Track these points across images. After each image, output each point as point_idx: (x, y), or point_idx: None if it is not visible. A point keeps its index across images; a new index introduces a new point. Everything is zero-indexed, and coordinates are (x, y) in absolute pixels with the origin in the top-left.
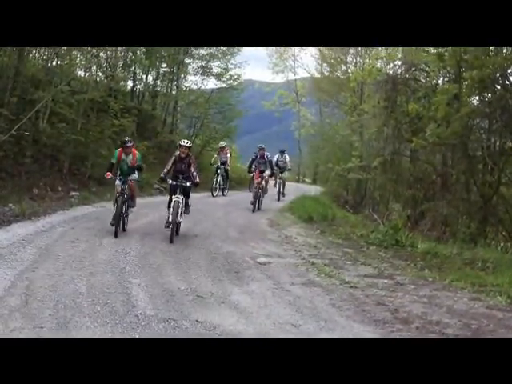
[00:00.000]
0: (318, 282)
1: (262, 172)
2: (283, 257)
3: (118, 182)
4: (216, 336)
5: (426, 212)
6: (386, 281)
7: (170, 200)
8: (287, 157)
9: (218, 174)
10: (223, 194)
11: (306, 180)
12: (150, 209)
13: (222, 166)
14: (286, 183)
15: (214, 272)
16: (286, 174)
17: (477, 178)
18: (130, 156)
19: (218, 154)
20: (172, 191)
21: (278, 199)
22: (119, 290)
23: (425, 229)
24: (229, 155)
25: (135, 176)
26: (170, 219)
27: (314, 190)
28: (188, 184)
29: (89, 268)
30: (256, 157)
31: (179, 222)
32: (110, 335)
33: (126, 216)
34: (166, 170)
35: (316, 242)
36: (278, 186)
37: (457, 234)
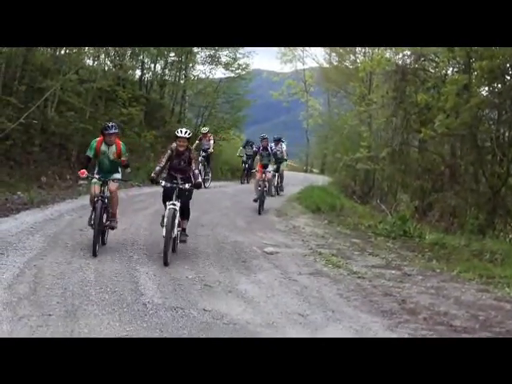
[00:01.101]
0: (325, 272)
1: (264, 167)
2: (291, 247)
3: (95, 181)
4: (223, 325)
5: (434, 203)
6: (393, 271)
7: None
8: (284, 146)
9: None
10: (205, 186)
11: (314, 170)
12: (158, 198)
13: (204, 154)
14: (284, 173)
15: (222, 261)
16: (283, 166)
17: (486, 168)
18: (113, 147)
19: (199, 140)
20: (166, 196)
21: (275, 194)
22: (127, 278)
23: (433, 220)
24: (212, 142)
25: (118, 176)
26: (164, 233)
27: (321, 180)
28: (187, 186)
29: (97, 256)
30: (259, 148)
31: (175, 237)
32: (117, 324)
33: (106, 227)
34: (158, 167)
35: (324, 232)
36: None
37: (465, 225)
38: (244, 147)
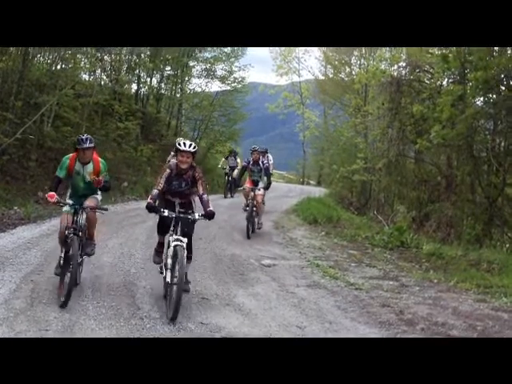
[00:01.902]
0: (322, 283)
1: (254, 184)
2: (288, 259)
3: (66, 209)
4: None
5: (430, 213)
6: (391, 282)
7: (162, 245)
8: (271, 158)
9: None
10: None
11: (311, 182)
12: None
13: None
14: (281, 186)
15: (219, 274)
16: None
17: (482, 179)
18: (90, 166)
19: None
20: (164, 227)
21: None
22: (124, 292)
23: (430, 230)
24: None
25: (97, 197)
26: (169, 278)
27: (318, 191)
28: (198, 216)
29: (94, 271)
30: (248, 163)
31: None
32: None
33: (81, 264)
34: (155, 191)
35: (321, 243)
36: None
37: (462, 235)
38: (226, 158)
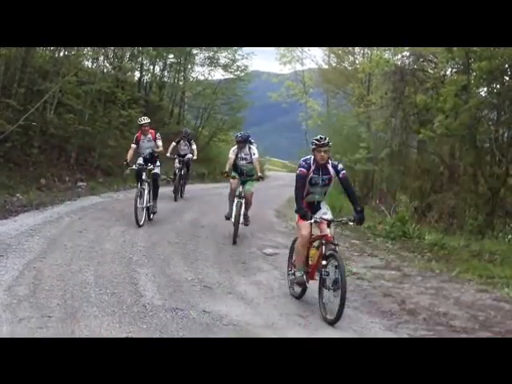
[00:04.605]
0: None
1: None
2: None
3: None
4: (223, 326)
5: (433, 204)
6: (393, 272)
7: None
8: (254, 150)
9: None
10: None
11: None
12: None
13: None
14: (283, 175)
15: (221, 263)
16: (252, 185)
17: (485, 169)
18: None
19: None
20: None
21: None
22: (127, 279)
23: (432, 220)
24: (160, 143)
25: None
26: None
27: None
28: None
29: (96, 258)
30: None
31: None
32: (117, 325)
33: None
34: None
35: None
36: (237, 204)
37: (464, 225)
38: (178, 143)
